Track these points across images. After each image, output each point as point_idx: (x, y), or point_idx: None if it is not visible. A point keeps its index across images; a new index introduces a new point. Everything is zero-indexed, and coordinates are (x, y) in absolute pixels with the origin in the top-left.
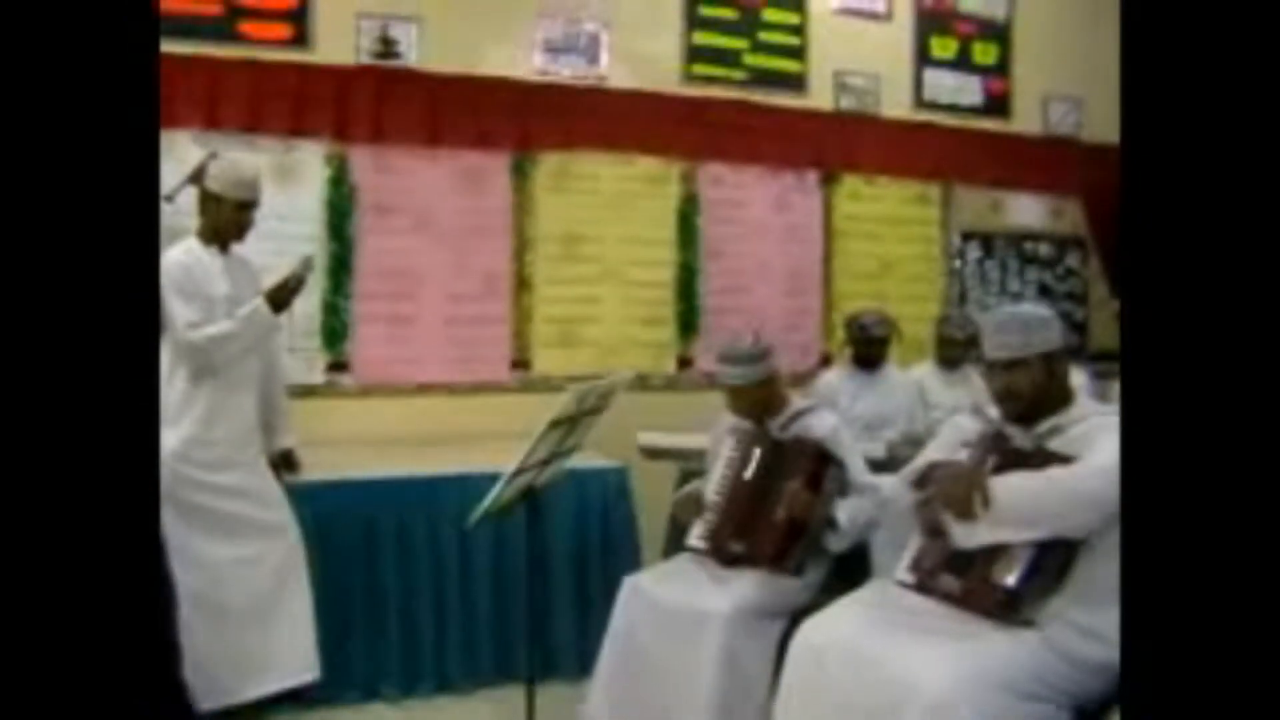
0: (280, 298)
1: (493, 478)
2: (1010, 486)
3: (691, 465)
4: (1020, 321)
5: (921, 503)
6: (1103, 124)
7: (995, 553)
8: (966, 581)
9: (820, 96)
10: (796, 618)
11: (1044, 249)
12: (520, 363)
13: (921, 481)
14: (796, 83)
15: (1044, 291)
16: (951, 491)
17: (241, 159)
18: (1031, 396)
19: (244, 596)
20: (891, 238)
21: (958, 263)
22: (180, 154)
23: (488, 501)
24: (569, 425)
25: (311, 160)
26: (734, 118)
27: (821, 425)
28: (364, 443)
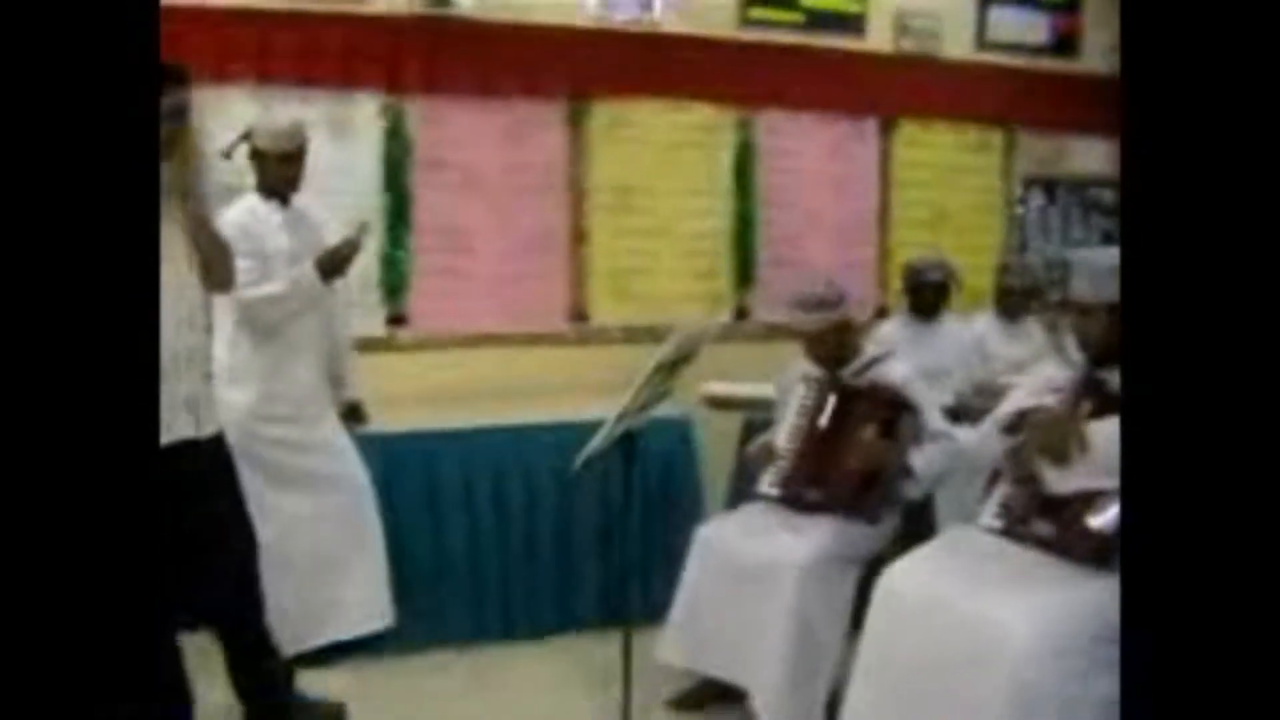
0: (331, 265)
1: (554, 428)
2: (1107, 431)
3: (756, 414)
4: (1113, 267)
5: (1015, 449)
6: None
7: (1089, 498)
8: (1060, 527)
9: (879, 38)
10: (871, 566)
11: (1108, 196)
12: (577, 314)
13: (1013, 427)
14: (855, 24)
15: (1107, 239)
16: (1047, 436)
17: (280, 111)
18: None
19: (317, 546)
20: (950, 186)
21: (1019, 210)
22: (234, 110)
23: (593, 445)
24: (669, 370)
25: (366, 113)
26: (790, 62)
27: (895, 372)
28: (424, 394)
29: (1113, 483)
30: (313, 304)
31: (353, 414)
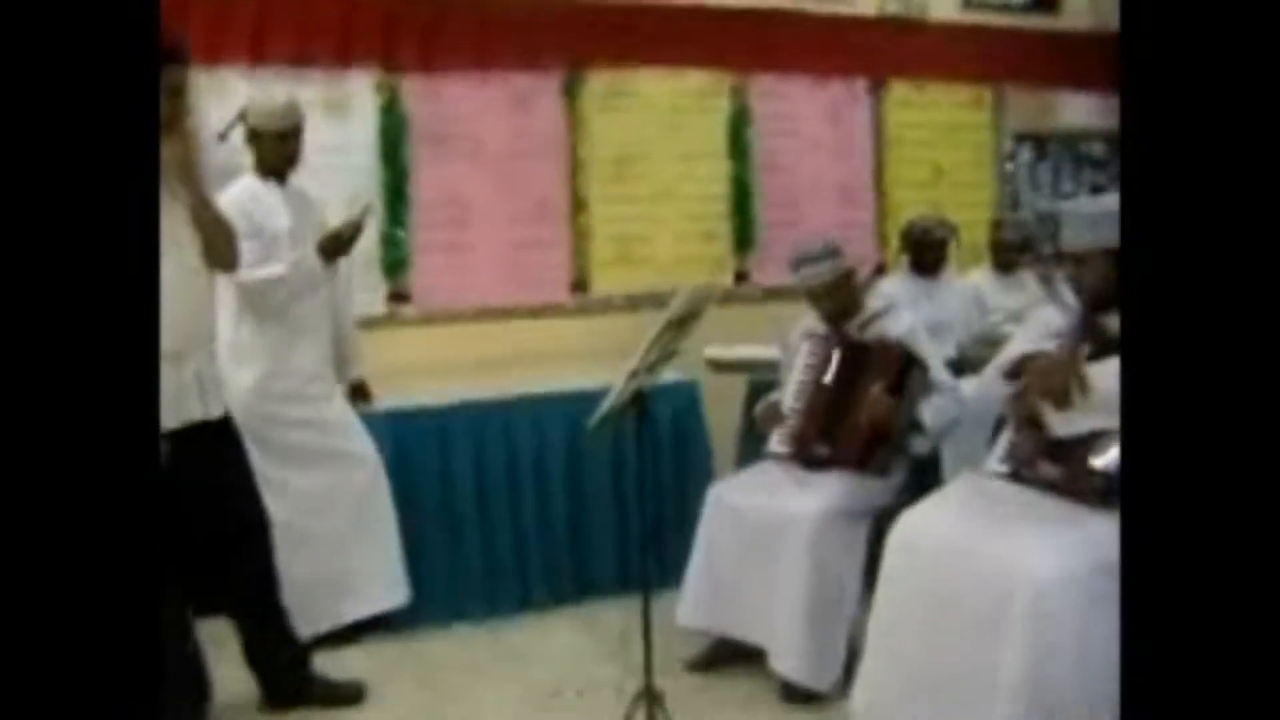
0: (333, 247)
1: (563, 397)
2: (1107, 372)
3: (760, 376)
4: (1106, 214)
5: (1017, 393)
6: None
7: (1093, 439)
8: (1065, 468)
9: (866, 3)
10: (881, 519)
11: (1097, 149)
12: (579, 284)
13: (1015, 373)
14: None
15: (1097, 191)
16: (1048, 380)
17: (274, 91)
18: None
19: (331, 524)
20: (943, 144)
21: (1009, 166)
22: (229, 91)
23: (606, 405)
24: (678, 327)
25: (362, 91)
26: (780, 27)
27: (899, 325)
28: (428, 370)
29: (1114, 423)
30: (315, 286)
31: (358, 393)
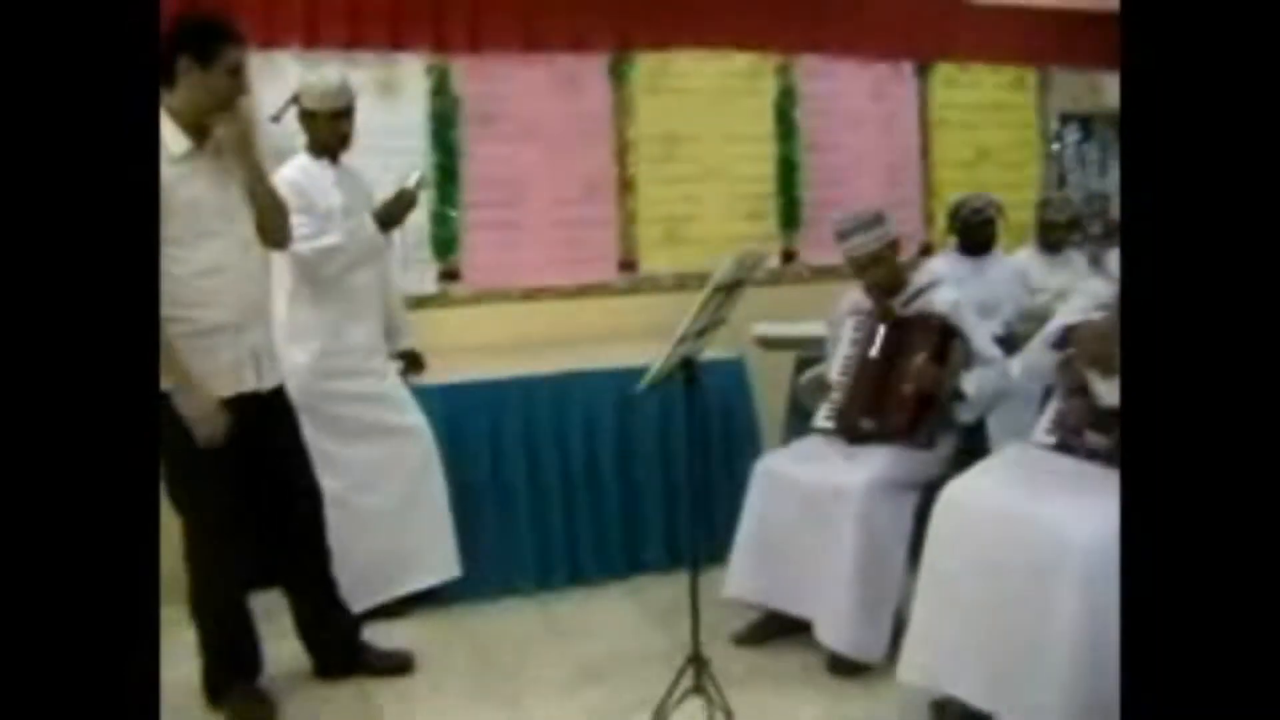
0: (389, 215)
1: (612, 374)
2: None
3: (808, 353)
4: None
5: (1064, 362)
6: None
7: None
8: (1112, 438)
9: None
10: (929, 490)
11: None
12: (627, 264)
13: (1062, 343)
14: None
15: None
16: (1095, 349)
17: (327, 71)
18: None
19: (384, 498)
20: (988, 124)
21: (1056, 146)
22: (282, 73)
23: (655, 369)
24: (726, 292)
25: (413, 73)
26: (827, 8)
27: (943, 300)
28: (478, 348)
29: None
30: (370, 256)
31: (412, 362)
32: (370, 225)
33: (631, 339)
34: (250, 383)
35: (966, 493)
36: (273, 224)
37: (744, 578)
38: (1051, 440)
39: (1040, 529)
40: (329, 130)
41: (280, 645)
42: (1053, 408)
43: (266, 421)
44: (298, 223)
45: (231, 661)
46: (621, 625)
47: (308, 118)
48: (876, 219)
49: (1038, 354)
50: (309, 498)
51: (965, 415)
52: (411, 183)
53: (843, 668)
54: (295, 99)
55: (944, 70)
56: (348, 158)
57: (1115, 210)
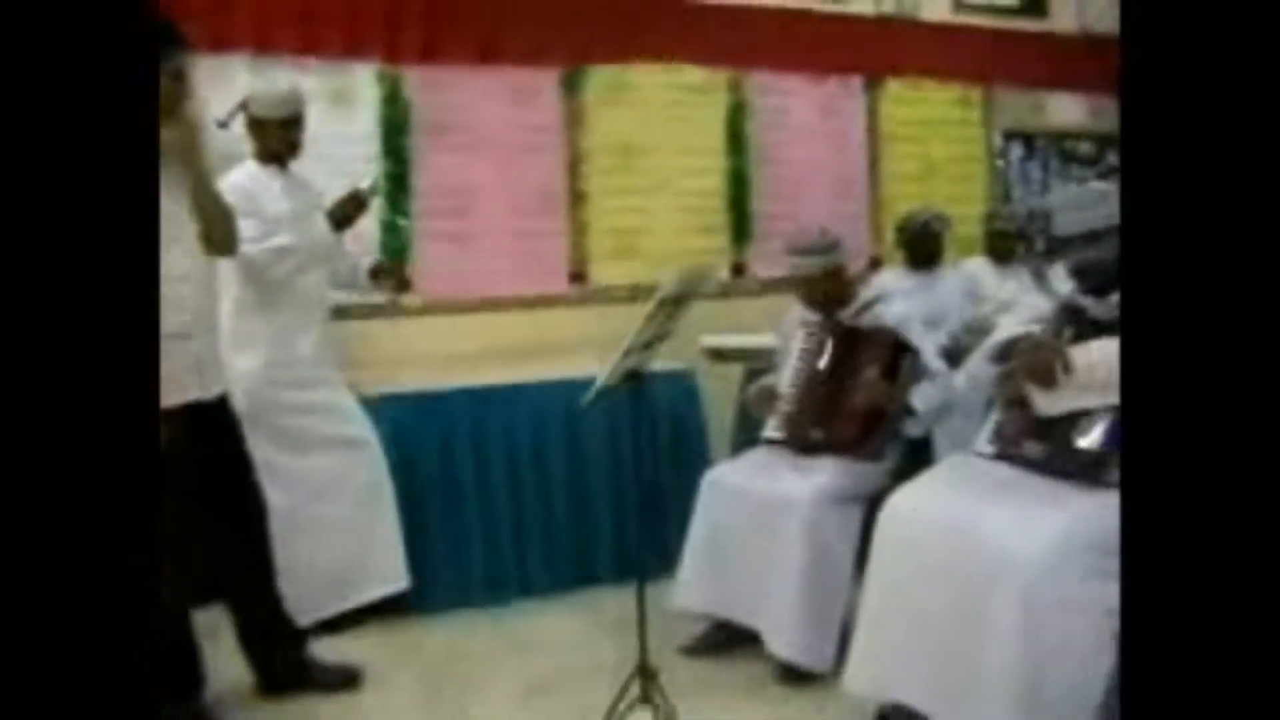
0: (341, 214)
1: (562, 385)
2: (1090, 353)
3: (758, 365)
4: (1095, 196)
5: (1004, 375)
6: None
7: (1077, 418)
8: (1050, 447)
9: (860, 2)
10: (875, 503)
11: (1084, 147)
12: (578, 275)
13: (1002, 356)
14: None
15: None
16: (1034, 361)
17: (277, 79)
18: (1110, 268)
19: (332, 510)
20: (935, 140)
21: (1000, 163)
22: (233, 79)
23: (600, 381)
24: (673, 305)
25: (365, 81)
26: (779, 25)
27: (891, 313)
28: (428, 358)
29: (1096, 402)
30: (320, 258)
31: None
32: (322, 224)
33: (582, 351)
34: (194, 392)
35: (908, 502)
36: (218, 230)
37: (693, 588)
38: (991, 449)
39: (981, 538)
40: (278, 138)
41: (224, 661)
42: (993, 417)
43: (209, 432)
44: (245, 227)
45: (171, 680)
46: (572, 637)
47: (256, 125)
48: (828, 245)
49: (979, 366)
50: (253, 509)
51: (913, 430)
52: (366, 186)
53: (791, 677)
54: (244, 104)
55: (892, 87)
56: (297, 166)
57: (1056, 227)
